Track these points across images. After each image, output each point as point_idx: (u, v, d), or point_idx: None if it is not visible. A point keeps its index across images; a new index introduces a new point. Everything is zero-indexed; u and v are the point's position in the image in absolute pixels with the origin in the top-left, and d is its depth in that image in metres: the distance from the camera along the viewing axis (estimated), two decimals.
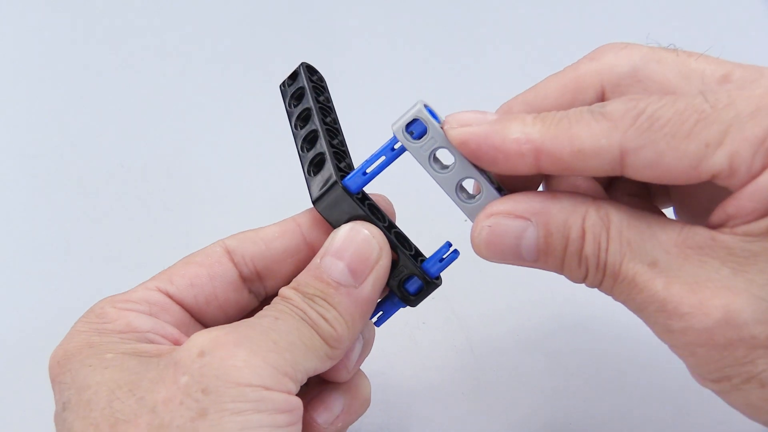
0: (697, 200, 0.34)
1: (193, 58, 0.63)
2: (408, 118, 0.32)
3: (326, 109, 0.35)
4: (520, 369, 0.43)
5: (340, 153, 0.34)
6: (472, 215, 0.32)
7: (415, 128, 0.32)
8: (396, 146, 0.32)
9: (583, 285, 0.32)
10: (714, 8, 0.64)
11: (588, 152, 0.30)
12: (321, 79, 0.36)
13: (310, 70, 0.36)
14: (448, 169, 0.32)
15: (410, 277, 0.33)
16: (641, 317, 0.31)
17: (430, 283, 0.33)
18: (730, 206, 0.29)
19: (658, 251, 0.30)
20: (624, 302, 0.31)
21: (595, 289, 0.32)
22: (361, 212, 0.33)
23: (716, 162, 0.29)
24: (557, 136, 0.30)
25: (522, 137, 0.30)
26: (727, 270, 0.29)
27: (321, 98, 0.35)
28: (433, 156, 0.32)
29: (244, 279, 0.35)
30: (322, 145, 0.33)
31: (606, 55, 0.33)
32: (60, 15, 0.67)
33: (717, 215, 0.30)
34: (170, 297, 0.34)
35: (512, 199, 0.32)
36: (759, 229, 0.29)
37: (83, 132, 0.58)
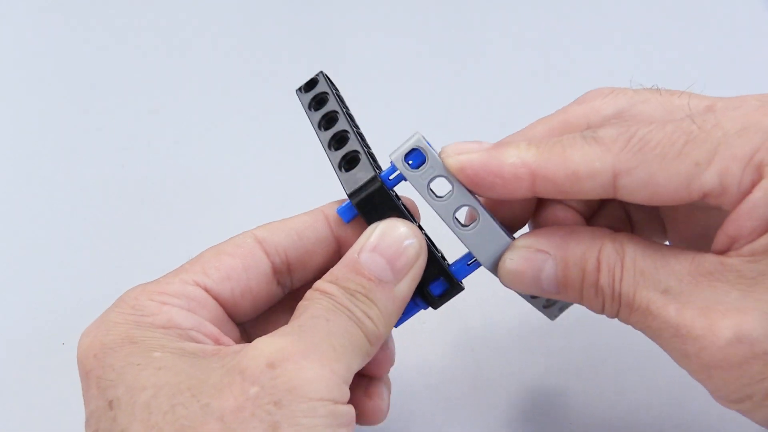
0: (691, 228, 0.35)
1: (196, 56, 0.63)
2: (407, 148, 0.32)
3: (350, 115, 0.36)
4: (520, 369, 0.43)
5: (371, 154, 0.34)
6: (468, 242, 0.33)
7: (414, 158, 0.32)
8: (392, 176, 0.33)
9: None
10: (714, 8, 0.64)
11: (582, 174, 0.31)
12: (337, 89, 0.37)
13: (328, 79, 0.36)
14: (445, 198, 0.33)
15: (436, 278, 0.33)
16: (660, 345, 0.31)
17: (456, 285, 0.34)
18: (730, 228, 0.30)
19: (671, 279, 0.30)
20: (642, 330, 0.32)
21: None
22: (397, 209, 0.33)
23: (707, 180, 0.29)
24: (551, 159, 0.31)
25: (518, 161, 0.31)
26: (736, 292, 0.29)
27: (344, 105, 0.36)
28: (430, 185, 0.33)
29: (275, 270, 0.34)
30: (354, 143, 0.34)
31: (593, 100, 0.35)
32: (63, 13, 0.67)
33: (720, 240, 0.30)
34: (207, 291, 0.33)
35: (534, 234, 0.33)
36: (762, 247, 0.29)
37: (83, 132, 0.58)
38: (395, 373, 0.43)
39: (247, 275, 0.34)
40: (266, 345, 0.29)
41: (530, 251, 0.33)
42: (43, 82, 0.62)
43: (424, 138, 0.32)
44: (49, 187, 0.54)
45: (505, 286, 0.34)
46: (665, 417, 0.41)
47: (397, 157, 0.32)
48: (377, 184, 0.32)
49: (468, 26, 0.65)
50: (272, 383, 0.28)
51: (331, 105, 0.35)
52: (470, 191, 0.32)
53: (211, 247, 0.34)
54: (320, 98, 0.36)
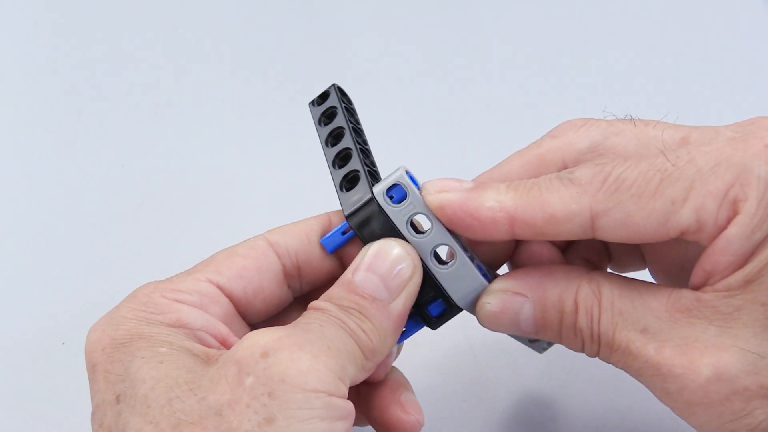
0: (671, 260, 0.35)
1: (199, 57, 0.63)
2: (389, 183, 0.32)
3: (357, 130, 0.36)
4: (520, 369, 0.43)
5: (373, 172, 0.34)
6: (444, 281, 0.33)
7: (396, 193, 0.32)
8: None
9: None
10: (714, 8, 0.64)
11: (560, 218, 0.31)
12: (350, 101, 0.37)
13: (341, 91, 0.36)
14: (424, 235, 0.33)
15: (434, 299, 0.33)
16: (642, 383, 0.32)
17: (454, 306, 0.34)
18: (707, 263, 0.30)
19: (649, 318, 0.31)
20: (624, 369, 0.32)
21: None
22: (394, 231, 0.33)
23: (683, 218, 0.30)
24: (529, 204, 0.31)
25: (496, 206, 0.32)
26: (713, 329, 0.30)
27: (352, 120, 0.36)
28: (410, 221, 0.33)
29: (285, 273, 0.35)
30: (356, 162, 0.34)
31: (567, 133, 0.35)
32: (64, 13, 0.67)
33: (697, 275, 0.31)
34: (220, 289, 0.33)
35: (510, 277, 0.34)
36: (737, 282, 0.29)
37: (83, 132, 0.58)
38: None
39: (259, 275, 0.34)
40: (261, 335, 0.29)
41: (507, 294, 0.33)
42: (43, 82, 0.62)
43: (407, 173, 0.32)
44: (49, 187, 0.54)
45: (486, 328, 0.34)
46: (665, 416, 0.41)
47: (379, 192, 0.32)
48: (374, 205, 0.32)
49: (470, 34, 0.65)
50: (266, 373, 0.28)
51: (339, 120, 0.35)
52: (449, 230, 0.32)
53: (224, 248, 0.35)
54: (330, 113, 0.36)
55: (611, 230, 0.31)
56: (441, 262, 0.33)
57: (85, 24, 0.66)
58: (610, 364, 0.32)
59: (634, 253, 0.37)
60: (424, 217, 0.33)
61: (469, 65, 0.62)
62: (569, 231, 0.31)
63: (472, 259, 0.33)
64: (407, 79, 0.61)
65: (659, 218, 0.30)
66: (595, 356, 0.32)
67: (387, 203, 0.32)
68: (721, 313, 0.30)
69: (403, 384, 0.35)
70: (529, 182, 0.32)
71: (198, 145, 0.57)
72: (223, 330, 0.33)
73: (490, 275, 0.34)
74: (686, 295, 0.30)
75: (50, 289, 0.48)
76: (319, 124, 0.36)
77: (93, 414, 0.30)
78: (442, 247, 0.33)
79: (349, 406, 0.30)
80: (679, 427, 0.40)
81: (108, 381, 0.30)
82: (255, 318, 0.35)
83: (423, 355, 0.44)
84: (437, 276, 0.33)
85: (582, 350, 0.33)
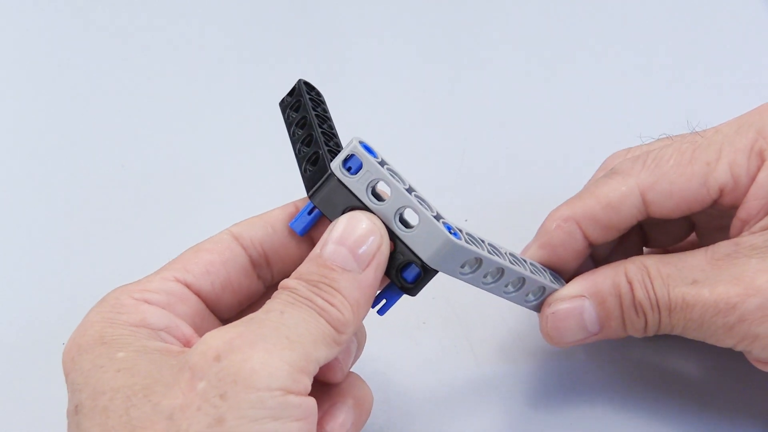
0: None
1: (197, 56, 0.63)
2: (344, 155, 0.32)
3: (323, 117, 0.36)
4: (520, 369, 0.43)
5: (335, 152, 0.35)
6: (412, 243, 0.33)
7: (352, 164, 0.32)
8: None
9: None
10: (714, 8, 0.64)
11: (615, 202, 0.36)
12: (318, 94, 0.38)
13: (308, 86, 0.38)
14: (386, 201, 0.32)
15: (408, 265, 0.33)
16: (703, 335, 0.35)
17: (429, 270, 0.33)
18: (742, 213, 0.35)
19: (695, 272, 0.34)
20: (685, 329, 0.35)
21: None
22: (357, 202, 0.33)
23: (719, 175, 0.35)
24: (586, 201, 0.36)
25: (560, 220, 0.37)
26: (755, 260, 0.33)
27: (318, 109, 0.36)
28: (371, 189, 0.33)
29: (253, 264, 0.35)
30: (317, 145, 0.34)
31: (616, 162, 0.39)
32: (63, 13, 0.67)
33: (734, 227, 0.35)
34: (188, 286, 0.33)
35: (565, 287, 0.37)
36: None
37: (83, 131, 0.58)
38: (395, 374, 0.43)
39: (226, 269, 0.34)
40: (214, 338, 0.29)
41: (566, 300, 0.36)
42: (42, 82, 0.62)
43: (360, 144, 0.32)
44: (49, 187, 0.54)
45: (553, 343, 0.37)
46: (667, 417, 0.41)
47: (336, 166, 0.32)
48: (333, 180, 0.33)
49: (467, 30, 0.65)
50: (218, 376, 0.28)
51: (302, 112, 0.36)
52: (409, 192, 0.32)
53: (191, 246, 0.35)
54: (296, 106, 0.37)
55: (661, 202, 0.35)
56: (408, 226, 0.33)
57: (85, 23, 0.66)
58: (675, 334, 0.35)
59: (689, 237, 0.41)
60: (384, 183, 0.32)
61: (469, 63, 0.62)
62: (628, 212, 0.36)
63: (437, 218, 0.33)
64: (404, 79, 0.61)
65: (699, 180, 0.35)
66: (657, 330, 0.35)
67: (344, 175, 0.32)
68: (758, 248, 0.33)
69: (350, 403, 0.34)
70: (580, 191, 0.37)
71: (200, 146, 0.57)
72: (187, 331, 0.33)
73: (462, 235, 0.33)
74: (724, 245, 0.34)
75: (50, 289, 0.48)
76: (287, 117, 0.37)
77: (68, 425, 0.30)
78: (408, 210, 0.33)
79: (308, 403, 0.29)
80: (681, 426, 0.40)
81: (72, 391, 0.30)
82: (227, 312, 0.35)
83: (423, 355, 0.44)
84: (404, 239, 0.33)
85: (645, 329, 0.35)
